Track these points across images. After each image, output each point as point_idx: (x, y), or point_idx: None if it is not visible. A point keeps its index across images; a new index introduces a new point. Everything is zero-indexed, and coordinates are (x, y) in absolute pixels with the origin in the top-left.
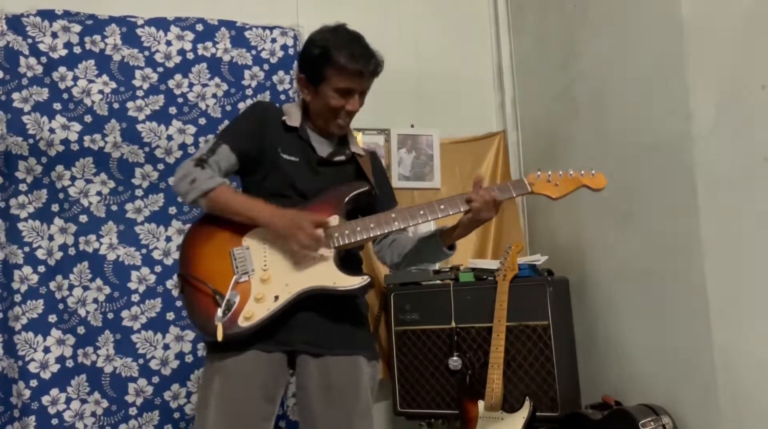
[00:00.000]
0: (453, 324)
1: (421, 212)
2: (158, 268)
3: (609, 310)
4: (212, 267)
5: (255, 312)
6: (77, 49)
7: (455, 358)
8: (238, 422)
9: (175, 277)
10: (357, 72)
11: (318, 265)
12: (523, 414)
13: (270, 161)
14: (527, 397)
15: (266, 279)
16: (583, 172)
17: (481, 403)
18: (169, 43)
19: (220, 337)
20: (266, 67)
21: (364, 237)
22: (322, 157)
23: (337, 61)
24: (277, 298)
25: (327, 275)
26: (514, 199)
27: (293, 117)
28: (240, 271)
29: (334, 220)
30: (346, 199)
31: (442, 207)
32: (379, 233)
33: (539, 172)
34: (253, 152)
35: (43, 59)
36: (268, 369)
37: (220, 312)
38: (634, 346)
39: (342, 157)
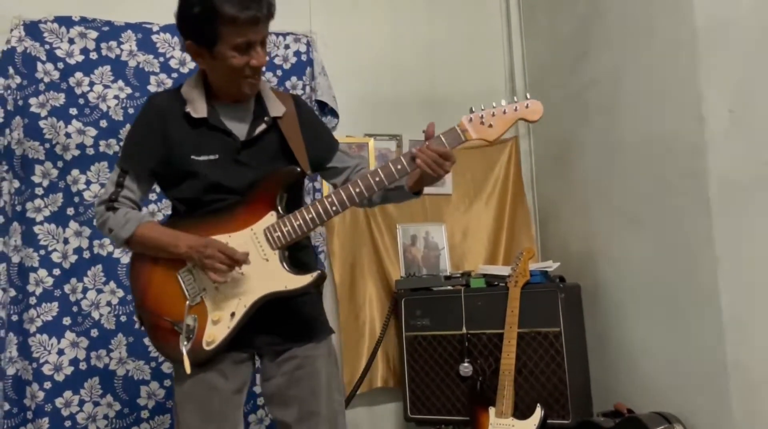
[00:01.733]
0: (464, 330)
1: (357, 190)
2: None
3: (621, 317)
4: (163, 295)
5: (216, 334)
6: (93, 55)
7: (466, 364)
8: (212, 410)
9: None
10: (252, 20)
11: (265, 271)
12: (534, 421)
13: (183, 170)
14: (538, 404)
15: (218, 297)
16: (517, 105)
17: (491, 410)
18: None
19: (188, 369)
20: (279, 73)
21: (305, 230)
22: (243, 140)
23: (226, 14)
24: (233, 314)
25: (276, 279)
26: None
27: (197, 104)
28: (191, 295)
29: (271, 217)
30: (278, 195)
31: (377, 179)
32: (320, 223)
33: (471, 115)
34: (162, 168)
35: (60, 65)
36: (235, 366)
37: (183, 343)
38: (647, 354)
39: (263, 127)
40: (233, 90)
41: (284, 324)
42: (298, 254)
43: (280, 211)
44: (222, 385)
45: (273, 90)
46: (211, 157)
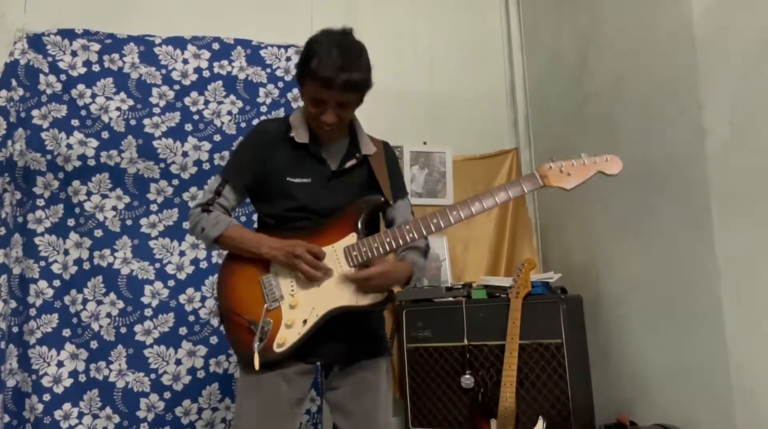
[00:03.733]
0: (465, 341)
1: (435, 221)
2: (171, 283)
3: (623, 329)
4: (245, 297)
5: (287, 338)
6: (96, 67)
7: (467, 376)
8: (270, 412)
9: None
10: (324, 80)
11: (340, 285)
12: None
13: (278, 188)
14: (540, 417)
15: (294, 304)
16: (597, 158)
17: (493, 422)
18: (185, 62)
19: (257, 366)
20: (281, 84)
21: (381, 252)
22: (334, 170)
23: (310, 66)
24: (305, 322)
25: (348, 294)
26: (526, 194)
27: (300, 131)
28: (270, 299)
29: (352, 237)
30: (361, 217)
31: (454, 213)
32: (395, 247)
33: (551, 164)
34: (258, 183)
35: (63, 77)
36: (299, 377)
37: (256, 342)
38: (649, 365)
39: (353, 162)
40: (316, 130)
41: (353, 337)
42: None
43: (361, 233)
44: (284, 391)
45: (368, 135)
46: (305, 180)
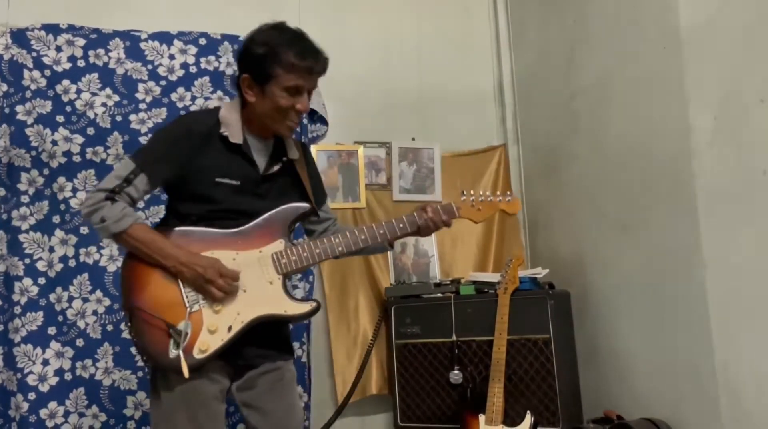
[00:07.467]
0: (454, 337)
1: (362, 237)
2: None
3: (610, 324)
4: (160, 297)
5: (210, 343)
6: (81, 63)
7: (456, 371)
8: (209, 419)
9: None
10: (307, 69)
11: (267, 293)
12: (524, 428)
13: (204, 188)
14: (528, 411)
15: (218, 309)
16: (500, 197)
17: (482, 417)
18: (172, 57)
19: (186, 373)
20: None
21: (310, 262)
22: (263, 174)
23: (286, 59)
24: (230, 328)
25: (277, 303)
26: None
27: (234, 130)
28: (191, 302)
29: (280, 244)
30: (288, 225)
31: (381, 232)
32: (324, 259)
33: (464, 197)
34: (179, 180)
35: (47, 72)
36: (220, 375)
37: (172, 348)
38: (636, 360)
39: (279, 166)
40: (272, 126)
41: (271, 339)
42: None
43: (289, 240)
44: (212, 393)
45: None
46: (234, 182)
